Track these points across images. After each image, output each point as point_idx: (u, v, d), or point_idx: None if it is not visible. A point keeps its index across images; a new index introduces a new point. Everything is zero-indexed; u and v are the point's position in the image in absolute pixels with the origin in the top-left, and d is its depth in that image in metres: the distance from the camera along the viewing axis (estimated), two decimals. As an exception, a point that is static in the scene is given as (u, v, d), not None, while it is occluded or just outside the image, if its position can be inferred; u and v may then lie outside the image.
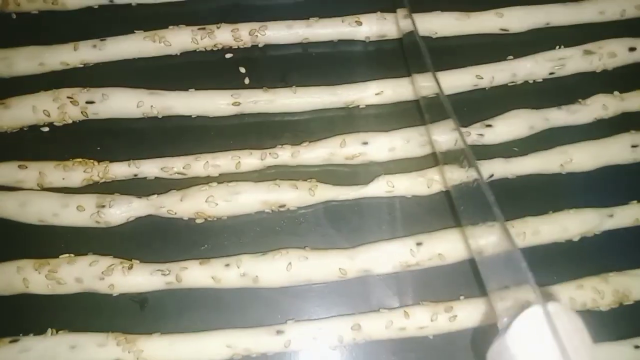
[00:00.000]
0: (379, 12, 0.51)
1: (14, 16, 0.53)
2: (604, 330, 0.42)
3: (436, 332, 0.42)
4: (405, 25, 0.48)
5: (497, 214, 0.33)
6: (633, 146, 0.48)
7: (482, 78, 0.49)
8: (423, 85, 0.47)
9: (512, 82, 0.50)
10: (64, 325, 0.43)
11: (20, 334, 0.42)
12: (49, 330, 0.43)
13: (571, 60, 0.50)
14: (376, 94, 0.49)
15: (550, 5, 0.52)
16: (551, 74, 0.50)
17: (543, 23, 0.52)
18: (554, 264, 0.45)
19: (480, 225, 0.36)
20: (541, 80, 0.51)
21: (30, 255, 0.44)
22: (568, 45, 0.51)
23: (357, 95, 0.49)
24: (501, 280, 0.33)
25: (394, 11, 0.51)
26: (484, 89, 0.50)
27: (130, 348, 0.41)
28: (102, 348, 0.41)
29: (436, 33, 0.51)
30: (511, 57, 0.51)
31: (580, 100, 0.49)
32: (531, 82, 0.51)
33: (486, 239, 0.36)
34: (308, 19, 0.51)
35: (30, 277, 0.43)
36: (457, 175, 0.41)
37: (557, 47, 0.51)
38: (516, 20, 0.51)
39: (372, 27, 0.51)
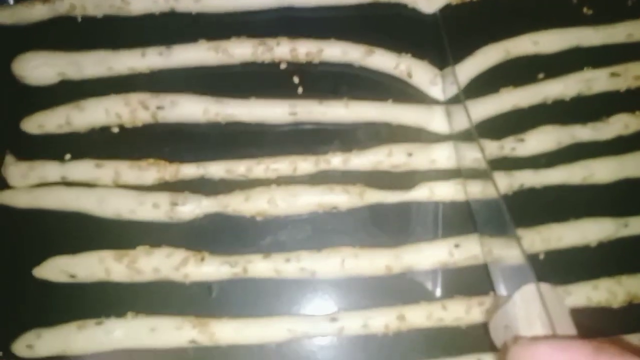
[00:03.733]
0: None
1: (80, 20, 0.59)
2: (614, 324, 0.51)
3: (469, 323, 0.51)
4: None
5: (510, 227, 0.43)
6: (649, 162, 0.56)
7: (518, 104, 0.56)
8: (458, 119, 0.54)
9: (544, 102, 0.57)
10: (142, 310, 0.50)
11: (103, 317, 0.50)
12: (129, 313, 0.50)
13: (598, 82, 0.57)
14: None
15: (582, 28, 0.58)
16: (578, 94, 0.58)
17: (574, 45, 0.58)
18: (574, 267, 0.53)
19: (495, 235, 0.46)
20: (569, 99, 0.58)
21: (110, 246, 0.51)
22: (596, 64, 0.58)
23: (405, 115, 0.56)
24: (506, 272, 0.45)
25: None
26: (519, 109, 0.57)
27: (204, 330, 0.49)
28: (179, 331, 0.49)
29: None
30: (542, 74, 0.58)
31: (604, 117, 0.57)
32: (559, 100, 0.58)
33: (498, 246, 0.46)
34: (369, 45, 0.56)
35: (111, 267, 0.50)
36: (477, 189, 0.50)
37: (585, 67, 0.58)
38: (549, 43, 0.58)
39: (422, 80, 0.57)
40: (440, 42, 0.56)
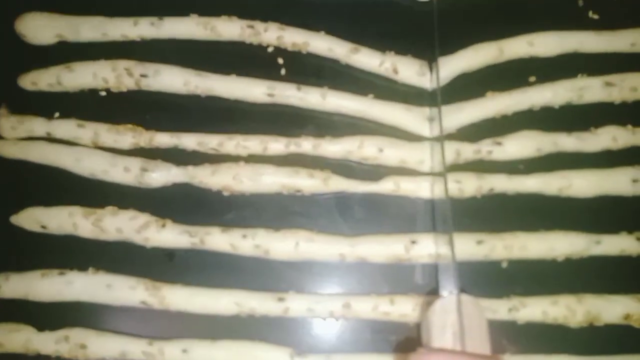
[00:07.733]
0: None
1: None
2: (568, 345, 0.51)
3: (416, 321, 0.51)
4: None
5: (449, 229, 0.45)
6: (634, 180, 0.54)
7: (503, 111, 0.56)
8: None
9: (530, 109, 0.57)
10: (102, 267, 0.54)
11: (67, 268, 0.54)
12: (90, 268, 0.54)
13: (590, 90, 0.56)
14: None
15: (584, 32, 0.57)
16: (568, 102, 0.56)
17: (572, 50, 0.57)
18: (535, 279, 0.53)
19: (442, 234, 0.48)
20: (557, 107, 0.57)
21: (80, 203, 0.55)
22: (591, 72, 0.56)
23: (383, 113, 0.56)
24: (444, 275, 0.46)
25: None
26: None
27: (155, 294, 0.52)
28: (133, 290, 0.52)
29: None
30: (533, 77, 0.57)
31: (592, 128, 0.55)
32: (546, 107, 0.57)
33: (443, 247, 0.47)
34: (355, 43, 0.57)
35: (79, 222, 0.54)
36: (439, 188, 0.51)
37: (580, 74, 0.57)
38: (546, 45, 0.57)
39: (409, 74, 0.57)
40: (432, 33, 0.56)
